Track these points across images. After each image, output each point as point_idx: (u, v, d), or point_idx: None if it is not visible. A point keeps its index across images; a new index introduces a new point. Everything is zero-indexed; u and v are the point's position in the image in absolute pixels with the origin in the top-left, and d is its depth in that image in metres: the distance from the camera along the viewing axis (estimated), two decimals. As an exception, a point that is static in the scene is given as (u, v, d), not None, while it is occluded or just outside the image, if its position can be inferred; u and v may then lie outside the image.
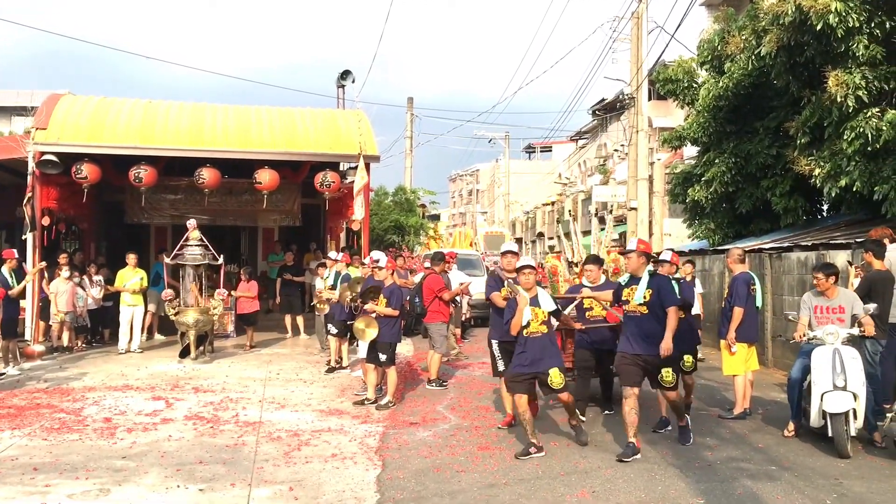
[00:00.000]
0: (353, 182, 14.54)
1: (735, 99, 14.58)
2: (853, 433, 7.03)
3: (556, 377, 7.00)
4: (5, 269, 11.42)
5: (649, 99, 24.42)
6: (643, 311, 7.05)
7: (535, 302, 7.13)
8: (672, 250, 11.18)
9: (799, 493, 5.98)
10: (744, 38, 13.70)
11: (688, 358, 8.06)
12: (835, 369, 7.03)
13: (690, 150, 19.67)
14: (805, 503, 5.78)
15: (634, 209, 21.51)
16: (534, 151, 64.03)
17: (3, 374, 11.06)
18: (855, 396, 6.99)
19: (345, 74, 22.65)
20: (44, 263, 13.10)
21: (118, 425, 7.99)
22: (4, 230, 18.64)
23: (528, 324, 7.05)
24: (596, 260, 8.98)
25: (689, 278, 10.75)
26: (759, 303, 8.76)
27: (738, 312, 8.50)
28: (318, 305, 12.75)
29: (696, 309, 10.34)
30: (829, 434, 7.02)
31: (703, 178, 15.69)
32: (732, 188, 15.09)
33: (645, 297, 7.04)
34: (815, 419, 7.22)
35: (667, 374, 7.12)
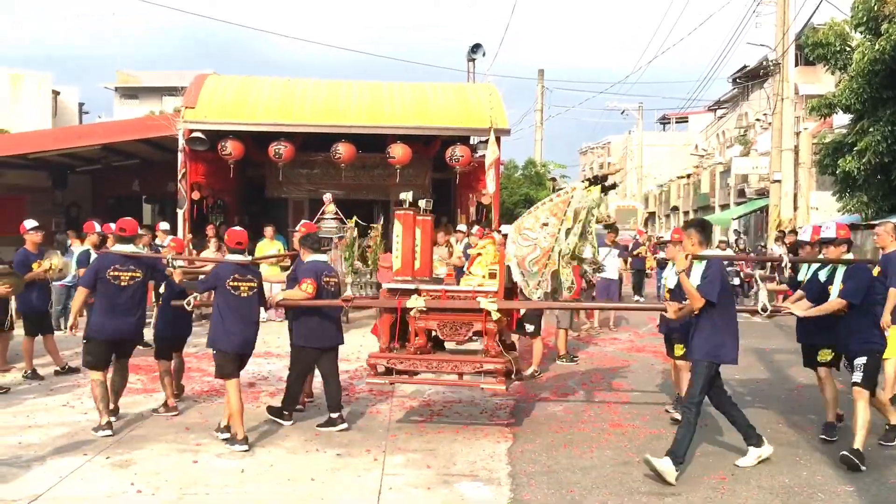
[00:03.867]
0: (483, 156, 14.55)
1: (893, 63, 13.62)
2: None
3: None
4: (158, 241, 12.18)
5: (796, 65, 23.17)
6: None
7: None
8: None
9: (963, 486, 5.55)
10: (905, -5, 12.73)
11: None
12: None
13: (841, 119, 18.51)
14: (970, 498, 5.36)
15: (778, 181, 20.52)
16: (668, 122, 61.97)
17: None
18: None
19: (475, 48, 22.60)
20: (190, 236, 13.90)
21: (261, 390, 8.38)
22: (157, 204, 19.89)
23: None
24: None
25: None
26: None
27: (893, 294, 7.80)
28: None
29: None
30: None
31: (855, 148, 14.78)
32: (888, 158, 14.15)
33: None
34: None
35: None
